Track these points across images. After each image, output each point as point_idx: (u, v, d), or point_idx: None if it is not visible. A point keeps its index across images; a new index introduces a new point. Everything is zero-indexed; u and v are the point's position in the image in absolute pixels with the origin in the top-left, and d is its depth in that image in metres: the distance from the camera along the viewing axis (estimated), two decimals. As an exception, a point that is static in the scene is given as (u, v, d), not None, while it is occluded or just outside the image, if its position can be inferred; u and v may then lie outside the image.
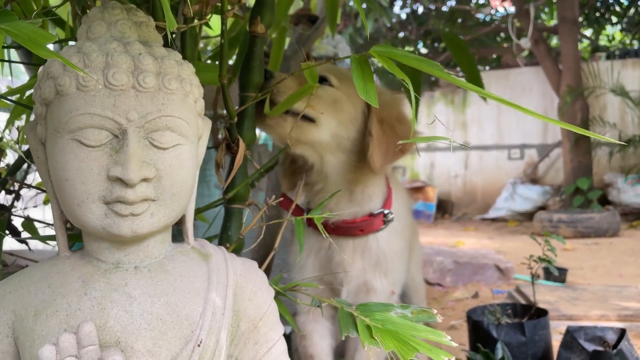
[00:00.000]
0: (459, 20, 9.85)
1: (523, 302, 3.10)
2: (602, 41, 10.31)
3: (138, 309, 0.64)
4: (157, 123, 0.64)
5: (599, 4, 9.01)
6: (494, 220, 8.05)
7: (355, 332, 0.78)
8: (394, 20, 9.80)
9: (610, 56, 8.51)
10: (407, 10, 10.20)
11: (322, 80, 1.16)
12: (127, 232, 0.64)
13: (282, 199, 1.09)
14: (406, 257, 1.29)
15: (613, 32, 10.41)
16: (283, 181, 1.24)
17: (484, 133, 9.05)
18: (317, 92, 1.12)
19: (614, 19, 9.31)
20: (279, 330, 0.77)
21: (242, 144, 0.93)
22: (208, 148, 1.38)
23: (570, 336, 1.63)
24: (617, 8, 9.12)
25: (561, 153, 7.99)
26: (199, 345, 0.66)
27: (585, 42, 9.96)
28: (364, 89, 0.71)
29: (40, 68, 0.67)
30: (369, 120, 1.16)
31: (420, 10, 10.13)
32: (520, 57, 8.79)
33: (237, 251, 0.96)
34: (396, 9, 10.31)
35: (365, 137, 1.16)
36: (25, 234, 1.40)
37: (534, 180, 8.49)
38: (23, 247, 1.44)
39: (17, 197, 1.58)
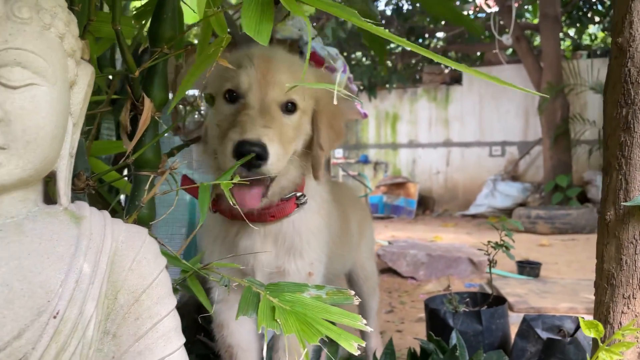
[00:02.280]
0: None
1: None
2: (585, 40, 10.34)
3: (-22, 273, 0.55)
4: (3, 56, 0.55)
5: (581, 3, 9.03)
6: (474, 216, 8.03)
7: (253, 314, 0.69)
8: (378, 16, 9.73)
9: (591, 55, 8.53)
10: (392, 6, 10.15)
11: (288, 106, 1.06)
12: (-35, 183, 0.55)
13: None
14: (326, 236, 1.21)
15: (596, 31, 10.45)
16: (205, 158, 1.13)
17: (465, 130, 9.04)
18: (288, 127, 1.04)
19: (597, 18, 9.35)
20: (169, 304, 0.68)
21: (147, 103, 0.84)
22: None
23: (527, 325, 1.57)
24: (600, 7, 9.15)
25: (541, 150, 7.99)
26: (55, 317, 0.57)
27: (568, 40, 9.98)
28: (257, 29, 0.62)
29: None
30: (318, 127, 1.10)
31: (405, 7, 10.09)
32: (502, 55, 8.77)
33: (143, 223, 0.87)
34: (381, 6, 10.26)
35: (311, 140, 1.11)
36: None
37: (514, 177, 8.49)
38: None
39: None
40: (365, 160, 9.80)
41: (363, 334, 1.84)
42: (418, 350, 1.66)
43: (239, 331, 1.19)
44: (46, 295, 0.57)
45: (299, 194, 1.12)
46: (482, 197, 8.19)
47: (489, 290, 3.22)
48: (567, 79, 7.75)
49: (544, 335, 1.55)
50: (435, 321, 1.75)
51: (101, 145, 1.17)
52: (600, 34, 10.41)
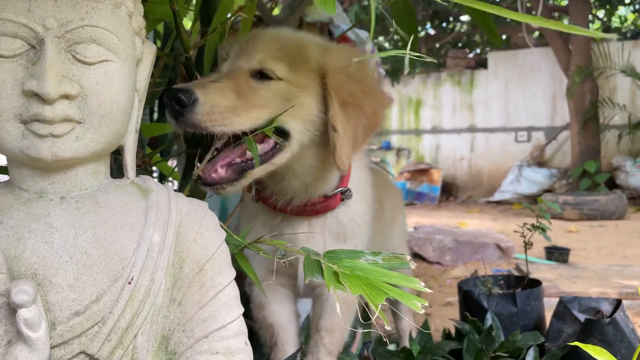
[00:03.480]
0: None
1: (522, 280, 3.05)
2: (615, 22, 10.06)
3: (59, 240, 0.58)
4: (80, 33, 0.57)
5: (611, -16, 8.77)
6: (499, 203, 7.96)
7: (320, 276, 0.72)
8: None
9: (621, 37, 8.30)
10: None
11: (262, 75, 0.95)
12: (47, 155, 0.57)
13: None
14: (369, 221, 1.21)
15: (626, 13, 10.15)
16: None
17: (490, 115, 8.91)
18: (259, 93, 0.92)
19: (627, 0, 9.07)
20: (229, 274, 0.71)
21: (200, 82, 0.87)
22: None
23: (563, 306, 1.57)
24: (631, -12, 8.88)
25: (569, 136, 7.84)
26: (129, 283, 0.60)
27: (597, 23, 9.72)
28: None
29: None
30: (330, 106, 0.96)
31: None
32: (530, 38, 8.60)
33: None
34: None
35: (327, 126, 0.97)
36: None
37: (540, 163, 8.36)
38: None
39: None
40: (388, 147, 9.75)
41: (396, 315, 1.86)
42: (453, 331, 1.67)
43: (279, 311, 1.21)
44: (121, 262, 0.60)
45: (343, 189, 1.09)
46: (507, 184, 8.10)
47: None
48: (596, 62, 7.57)
49: (581, 316, 1.54)
50: (469, 303, 1.76)
51: (150, 127, 1.20)
52: (631, 16, 10.11)
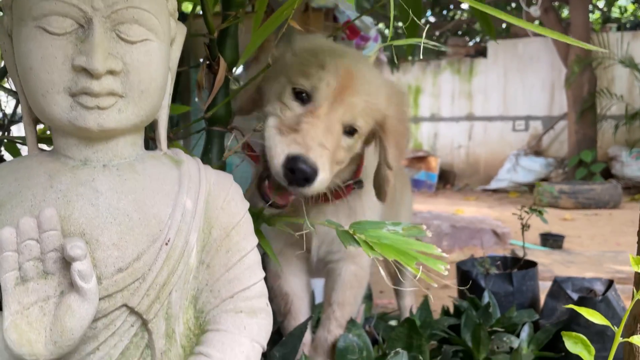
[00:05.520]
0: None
1: (517, 264, 3.12)
2: (614, 12, 10.07)
3: (104, 203, 0.64)
4: (124, 14, 0.62)
5: (613, -26, 8.78)
6: (495, 191, 8.04)
7: (356, 244, 0.79)
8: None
9: (621, 28, 8.33)
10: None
11: (350, 130, 1.07)
12: (93, 125, 0.63)
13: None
14: (380, 209, 1.28)
15: (626, 3, 10.16)
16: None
17: (489, 103, 8.96)
18: (343, 151, 1.06)
19: (628, -10, 9.09)
20: (252, 241, 0.77)
21: (222, 63, 0.92)
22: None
23: (557, 286, 1.64)
24: (632, -22, 8.89)
25: (566, 125, 7.91)
26: (166, 244, 0.66)
27: (597, 13, 9.74)
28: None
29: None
30: (386, 147, 1.12)
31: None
32: (529, 27, 8.59)
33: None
34: (405, -25, 10.06)
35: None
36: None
37: (537, 152, 8.43)
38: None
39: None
40: (387, 134, 9.80)
41: (398, 294, 1.93)
42: (451, 308, 1.74)
43: (294, 281, 1.28)
44: (158, 225, 0.66)
45: (356, 180, 1.18)
46: (504, 172, 8.17)
47: (513, 260, 3.29)
48: (595, 53, 7.60)
49: (574, 295, 1.61)
50: (467, 282, 1.82)
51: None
52: (631, 6, 10.12)
